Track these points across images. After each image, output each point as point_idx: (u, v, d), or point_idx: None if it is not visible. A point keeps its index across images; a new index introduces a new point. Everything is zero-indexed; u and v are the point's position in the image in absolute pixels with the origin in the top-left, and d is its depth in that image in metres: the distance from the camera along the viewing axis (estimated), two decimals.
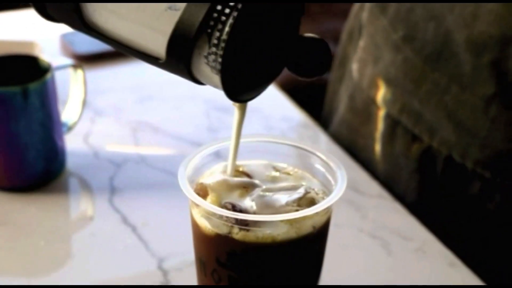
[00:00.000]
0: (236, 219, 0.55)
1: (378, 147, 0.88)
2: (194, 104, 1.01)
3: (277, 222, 0.55)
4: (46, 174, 0.83)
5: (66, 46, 1.11)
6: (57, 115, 0.83)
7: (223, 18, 0.47)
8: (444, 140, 0.79)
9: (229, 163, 0.59)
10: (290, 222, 0.56)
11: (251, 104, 0.99)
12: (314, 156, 0.62)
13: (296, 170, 0.63)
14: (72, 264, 0.74)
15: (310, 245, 0.59)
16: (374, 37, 0.88)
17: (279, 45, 0.51)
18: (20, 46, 0.99)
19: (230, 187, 0.58)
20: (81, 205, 0.83)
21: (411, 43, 0.82)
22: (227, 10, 0.47)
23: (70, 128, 0.87)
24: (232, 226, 0.56)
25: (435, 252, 0.75)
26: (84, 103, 0.88)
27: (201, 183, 0.59)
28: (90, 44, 1.11)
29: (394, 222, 0.79)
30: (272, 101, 1.01)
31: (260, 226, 0.55)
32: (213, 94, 1.01)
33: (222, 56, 0.47)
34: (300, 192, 0.58)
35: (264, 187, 0.59)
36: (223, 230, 0.56)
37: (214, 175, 0.60)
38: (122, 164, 0.87)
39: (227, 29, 0.47)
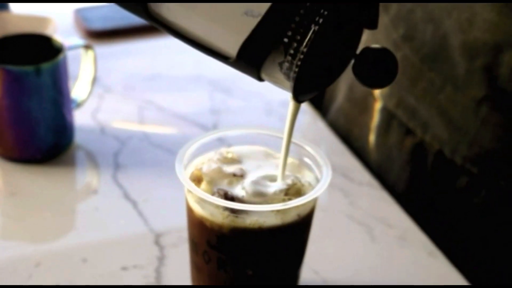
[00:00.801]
0: (227, 207, 0.60)
1: (372, 138, 0.92)
2: (199, 85, 1.05)
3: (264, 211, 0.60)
4: (54, 148, 0.88)
5: (79, 22, 1.15)
6: (67, 92, 0.88)
7: (302, 30, 0.49)
8: (436, 135, 0.84)
9: (281, 160, 0.62)
10: (276, 211, 0.61)
11: (252, 89, 1.03)
12: (303, 150, 0.67)
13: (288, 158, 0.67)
14: (74, 236, 0.79)
15: (295, 232, 0.63)
16: (375, 34, 0.92)
17: (346, 55, 0.54)
18: (35, 22, 1.03)
19: (223, 175, 0.63)
20: (86, 179, 0.88)
21: (410, 42, 0.86)
22: (306, 22, 0.49)
23: (79, 105, 0.92)
24: (222, 212, 0.60)
25: (416, 240, 0.80)
26: (94, 82, 0.92)
27: (197, 170, 0.64)
28: (102, 21, 1.15)
29: (380, 210, 0.84)
30: (274, 86, 1.06)
31: (249, 213, 0.60)
32: (217, 77, 1.06)
33: (298, 66, 0.50)
34: (288, 182, 0.63)
35: (255, 176, 0.63)
36: (214, 215, 0.61)
37: (210, 162, 0.64)
38: (126, 141, 0.92)
39: (306, 41, 0.49)
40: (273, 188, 0.62)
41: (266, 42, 0.50)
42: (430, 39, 0.83)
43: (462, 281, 0.75)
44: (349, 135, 0.97)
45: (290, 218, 0.62)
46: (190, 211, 0.64)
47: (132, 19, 1.13)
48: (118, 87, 1.04)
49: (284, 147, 0.62)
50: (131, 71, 1.08)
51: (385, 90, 0.90)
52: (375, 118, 0.91)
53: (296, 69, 0.51)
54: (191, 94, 1.03)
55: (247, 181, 0.62)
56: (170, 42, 1.13)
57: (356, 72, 0.54)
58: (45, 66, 0.83)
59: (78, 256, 0.76)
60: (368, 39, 0.94)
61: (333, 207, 0.84)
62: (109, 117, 0.97)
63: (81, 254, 0.76)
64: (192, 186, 0.61)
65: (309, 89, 0.55)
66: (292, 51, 0.50)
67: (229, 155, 0.66)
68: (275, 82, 0.54)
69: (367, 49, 0.54)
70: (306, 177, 0.66)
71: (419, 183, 0.87)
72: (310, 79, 0.53)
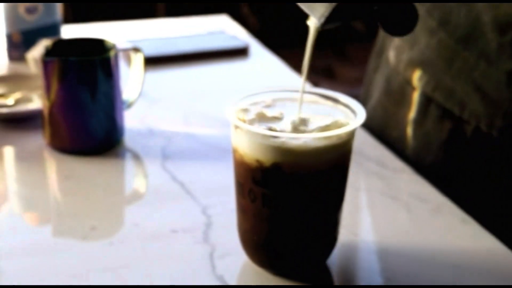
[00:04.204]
0: (272, 136, 0.65)
1: (409, 127, 0.98)
2: None
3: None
4: (106, 142, 0.94)
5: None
6: (119, 90, 0.95)
7: None
8: (473, 112, 0.89)
9: (303, 77, 0.70)
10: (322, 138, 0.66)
11: None
12: (337, 100, 0.72)
13: (327, 102, 0.73)
14: (126, 207, 0.85)
15: (334, 167, 0.68)
16: None
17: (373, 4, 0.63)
18: None
19: (266, 117, 0.69)
20: (136, 167, 0.94)
21: (445, 26, 0.93)
22: None
23: (129, 105, 0.98)
24: (268, 144, 0.65)
25: (450, 212, 0.84)
26: (143, 83, 0.99)
27: (241, 113, 0.70)
28: (151, 49, 1.23)
29: (414, 189, 0.88)
30: None
31: (294, 140, 0.65)
32: None
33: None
34: (329, 122, 0.68)
35: (296, 116, 0.69)
36: (260, 148, 0.66)
37: (254, 107, 0.70)
38: (173, 137, 0.98)
39: None
40: (316, 124, 0.68)
41: None
42: (464, 21, 0.90)
43: (496, 243, 0.78)
44: (385, 130, 1.02)
45: (332, 143, 0.66)
46: (236, 153, 0.69)
47: (174, 48, 1.22)
48: (163, 100, 1.10)
49: (305, 68, 0.68)
50: (175, 88, 1.15)
51: (422, 76, 0.96)
52: (413, 106, 0.97)
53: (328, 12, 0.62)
54: None
55: (291, 119, 0.68)
56: (214, 68, 1.21)
57: (379, 16, 0.62)
58: (99, 59, 0.90)
59: (130, 222, 0.81)
60: None
61: (369, 187, 0.89)
62: (156, 122, 1.03)
63: (132, 220, 0.81)
64: (239, 122, 0.67)
65: (334, 21, 0.64)
66: None
67: (272, 103, 0.71)
68: (308, 8, 0.63)
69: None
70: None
71: (458, 161, 0.92)
72: (338, 15, 0.63)
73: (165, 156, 0.94)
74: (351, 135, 0.68)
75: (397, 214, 0.84)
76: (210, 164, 0.93)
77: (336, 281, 0.73)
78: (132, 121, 1.01)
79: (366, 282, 0.72)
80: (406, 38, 1.00)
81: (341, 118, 0.69)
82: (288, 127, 0.67)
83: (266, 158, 0.66)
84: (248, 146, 0.67)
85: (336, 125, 0.68)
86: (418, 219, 0.83)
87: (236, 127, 0.67)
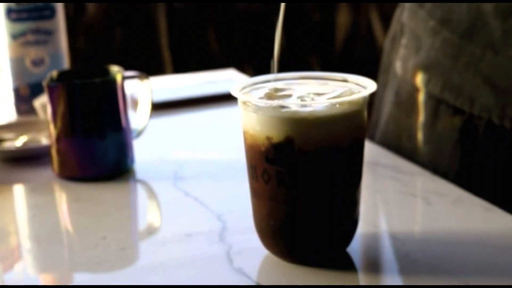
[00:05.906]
0: (282, 106, 0.64)
1: (423, 132, 0.96)
2: None
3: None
4: (116, 168, 0.92)
5: (133, 99, 1.23)
6: (127, 118, 0.93)
7: None
8: (484, 105, 0.88)
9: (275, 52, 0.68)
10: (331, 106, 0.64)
11: None
12: (346, 81, 0.71)
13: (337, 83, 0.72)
14: (139, 221, 0.83)
15: (346, 144, 0.66)
16: (414, 30, 0.99)
17: None
18: None
19: (275, 96, 0.68)
20: (147, 187, 0.93)
21: (447, 25, 0.93)
22: None
23: (139, 134, 0.97)
24: (279, 116, 0.64)
25: (472, 202, 0.81)
26: (151, 109, 0.98)
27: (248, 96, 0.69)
28: (159, 96, 1.23)
29: (432, 186, 0.86)
30: None
31: (304, 108, 0.64)
32: None
33: None
34: (341, 90, 0.67)
35: (305, 91, 0.67)
36: (270, 121, 0.64)
37: (262, 89, 0.69)
38: (184, 164, 0.96)
39: None
40: (326, 96, 0.66)
41: None
42: (466, 15, 0.90)
43: None
44: (399, 142, 1.01)
45: (343, 111, 0.65)
46: (246, 134, 0.67)
47: (183, 94, 1.22)
48: (174, 135, 1.10)
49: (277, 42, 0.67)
50: (185, 126, 1.15)
51: (430, 78, 0.95)
52: (423, 111, 0.96)
53: None
54: None
55: (299, 94, 0.67)
56: (223, 110, 1.20)
57: None
58: (104, 81, 0.90)
59: (142, 230, 0.79)
60: (408, 39, 1.01)
61: (386, 188, 0.87)
62: (167, 152, 1.02)
63: (145, 229, 0.79)
64: (246, 97, 0.65)
65: None
66: None
67: (280, 86, 0.71)
68: None
69: None
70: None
71: (473, 157, 0.90)
72: None
73: (177, 177, 0.92)
74: (362, 104, 0.66)
75: (417, 208, 0.82)
76: (223, 182, 0.91)
77: (358, 267, 0.70)
78: (142, 151, 1.00)
79: (390, 266, 0.70)
80: (411, 44, 1.00)
81: (352, 88, 0.68)
82: (298, 101, 0.66)
83: (277, 133, 0.64)
84: (258, 123, 0.65)
85: (348, 93, 0.67)
86: (440, 210, 0.80)
87: (244, 103, 0.66)
